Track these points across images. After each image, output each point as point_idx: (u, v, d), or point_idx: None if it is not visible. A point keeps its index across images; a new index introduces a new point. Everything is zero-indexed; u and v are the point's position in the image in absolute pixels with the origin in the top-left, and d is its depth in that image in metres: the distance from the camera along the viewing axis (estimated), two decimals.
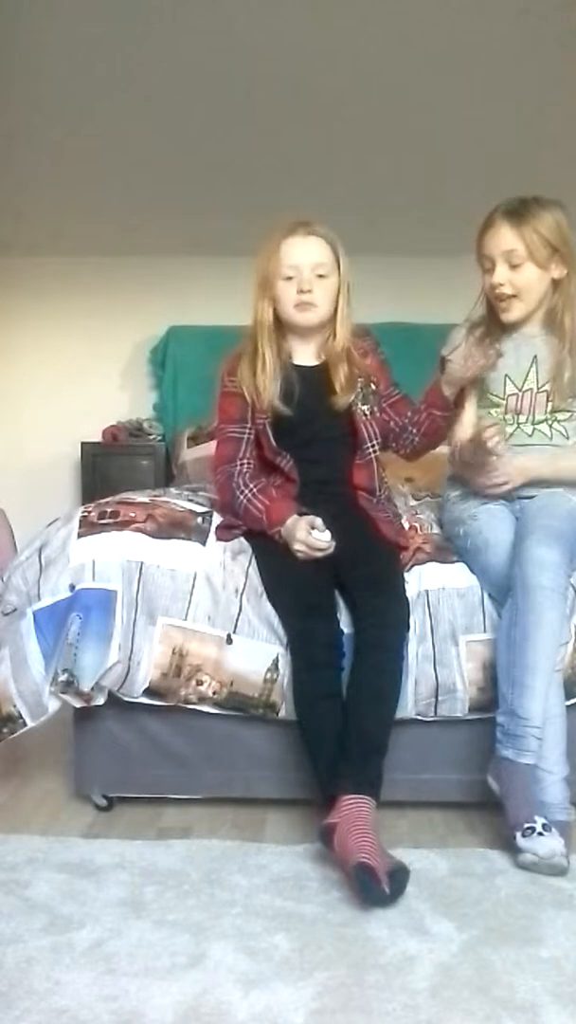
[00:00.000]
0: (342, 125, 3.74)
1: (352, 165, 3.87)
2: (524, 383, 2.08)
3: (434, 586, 2.01)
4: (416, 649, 1.96)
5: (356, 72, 3.54)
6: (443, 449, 3.54)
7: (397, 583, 1.96)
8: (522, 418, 2.09)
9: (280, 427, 2.12)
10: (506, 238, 2.00)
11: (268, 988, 1.36)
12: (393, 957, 1.45)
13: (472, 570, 2.03)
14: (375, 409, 2.16)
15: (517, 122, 3.67)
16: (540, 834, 1.73)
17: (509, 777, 1.80)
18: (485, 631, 1.98)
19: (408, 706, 1.94)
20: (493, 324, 2.11)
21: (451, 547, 2.09)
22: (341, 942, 1.49)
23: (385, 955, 1.45)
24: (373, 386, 2.16)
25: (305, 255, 2.07)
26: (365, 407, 2.14)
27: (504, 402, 2.10)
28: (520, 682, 1.80)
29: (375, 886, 1.57)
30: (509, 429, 2.09)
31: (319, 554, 1.94)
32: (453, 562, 2.05)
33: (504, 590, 1.91)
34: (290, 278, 2.06)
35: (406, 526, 2.14)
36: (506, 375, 2.09)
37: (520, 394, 2.08)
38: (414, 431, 2.17)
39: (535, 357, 2.08)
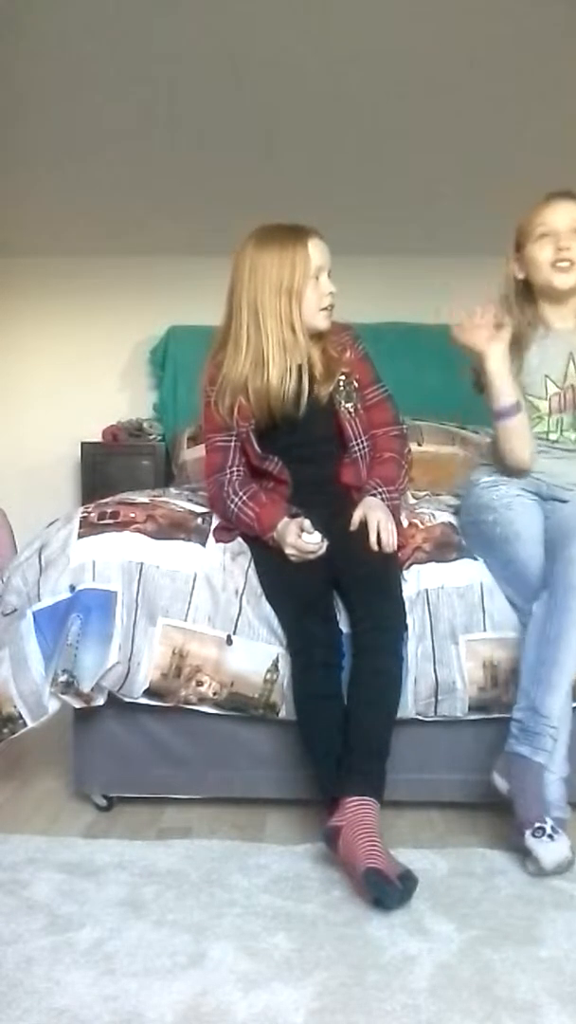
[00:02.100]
0: (342, 125, 3.75)
1: (352, 165, 3.87)
2: (565, 380, 2.09)
3: (433, 585, 2.01)
4: (416, 648, 1.96)
5: (356, 72, 3.54)
6: (446, 449, 3.58)
7: (393, 584, 1.96)
8: (566, 422, 2.09)
9: (268, 431, 2.11)
10: (572, 211, 2.07)
11: (268, 988, 1.36)
12: (393, 957, 1.45)
13: (492, 557, 2.01)
14: (358, 406, 2.15)
15: (517, 122, 3.67)
16: (550, 836, 1.71)
17: (521, 774, 1.79)
18: (485, 630, 1.98)
19: (408, 705, 1.94)
20: (525, 313, 2.12)
21: (465, 533, 2.08)
22: (341, 942, 1.49)
23: (385, 955, 1.45)
24: (355, 383, 2.15)
25: (326, 257, 2.07)
26: (348, 405, 2.13)
27: (547, 402, 2.10)
28: (547, 680, 1.79)
29: (388, 887, 1.57)
30: (553, 436, 2.10)
31: (311, 556, 1.94)
32: (453, 560, 2.05)
33: (525, 582, 1.91)
34: (316, 279, 2.06)
35: (404, 524, 2.13)
36: (545, 375, 2.10)
37: (562, 392, 2.09)
38: (364, 462, 2.16)
39: (570, 354, 2.09)
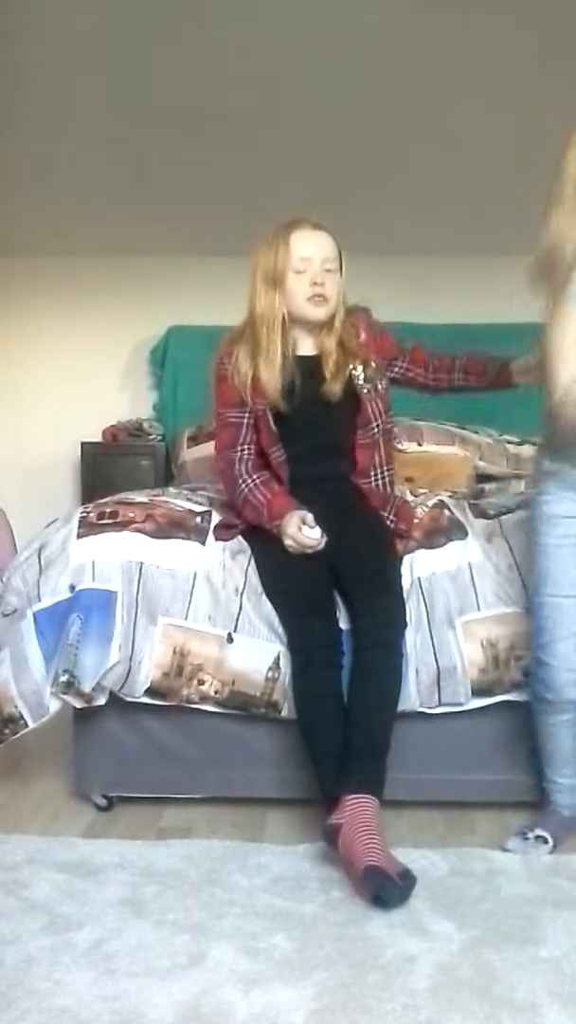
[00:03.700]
0: (343, 124, 3.74)
1: (353, 165, 3.86)
2: None
3: (425, 572, 2.02)
4: (414, 638, 1.96)
5: (357, 71, 3.53)
6: (446, 449, 3.58)
7: (393, 581, 1.96)
8: None
9: (279, 417, 2.10)
10: None
11: (268, 988, 1.36)
12: (393, 957, 1.45)
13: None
14: (379, 385, 2.15)
15: (520, 121, 3.67)
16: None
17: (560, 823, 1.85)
18: (479, 609, 1.98)
19: (411, 697, 1.93)
20: None
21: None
22: (341, 942, 1.49)
23: (385, 955, 1.45)
24: (374, 364, 2.15)
25: (317, 248, 2.06)
26: (368, 386, 2.12)
27: None
28: None
29: (389, 885, 1.57)
30: None
31: (309, 550, 1.94)
32: (442, 545, 2.05)
33: None
34: (302, 271, 2.05)
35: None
36: None
37: None
38: (460, 376, 2.23)
39: None
